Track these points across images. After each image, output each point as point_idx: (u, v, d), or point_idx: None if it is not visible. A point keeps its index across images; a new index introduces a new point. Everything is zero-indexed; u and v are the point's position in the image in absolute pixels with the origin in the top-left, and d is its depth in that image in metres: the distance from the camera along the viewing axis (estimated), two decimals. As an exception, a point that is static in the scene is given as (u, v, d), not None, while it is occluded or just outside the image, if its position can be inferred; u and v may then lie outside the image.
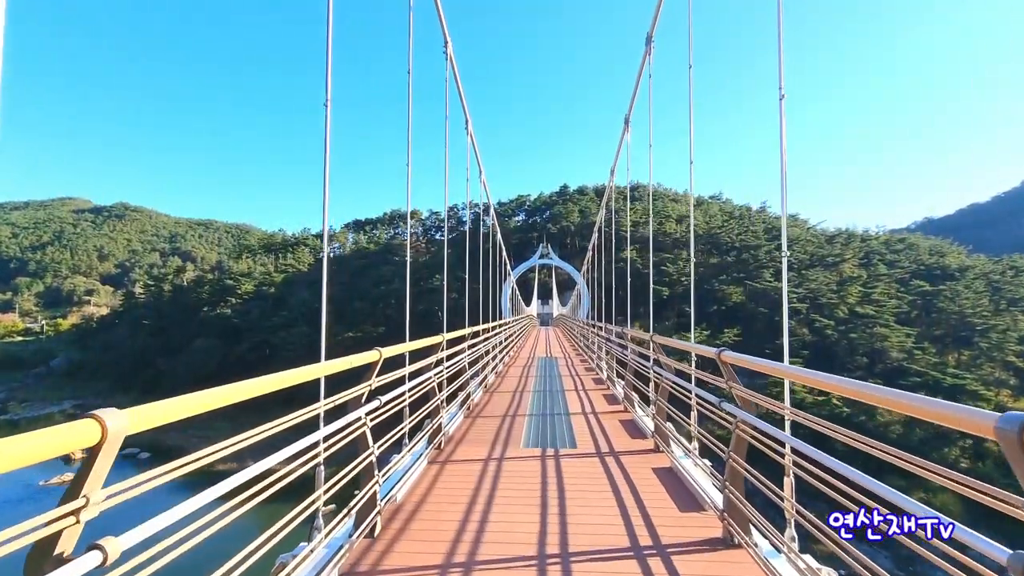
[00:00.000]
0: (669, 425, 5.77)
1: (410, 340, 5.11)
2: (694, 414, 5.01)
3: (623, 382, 9.03)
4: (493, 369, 11.27)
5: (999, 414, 1.44)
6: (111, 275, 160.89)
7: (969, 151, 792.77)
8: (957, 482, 1.65)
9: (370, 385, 3.59)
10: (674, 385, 5.53)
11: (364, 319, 64.48)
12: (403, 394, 4.43)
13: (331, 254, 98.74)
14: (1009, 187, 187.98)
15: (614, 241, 20.01)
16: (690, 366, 5.36)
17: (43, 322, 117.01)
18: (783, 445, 3.01)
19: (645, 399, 7.27)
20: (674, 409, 5.62)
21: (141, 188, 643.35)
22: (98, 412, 1.47)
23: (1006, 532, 2.28)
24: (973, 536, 1.54)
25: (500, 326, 13.46)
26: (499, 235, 19.76)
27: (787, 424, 3.19)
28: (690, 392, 4.93)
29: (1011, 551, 1.35)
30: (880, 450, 2.05)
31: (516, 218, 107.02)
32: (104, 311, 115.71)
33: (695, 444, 4.96)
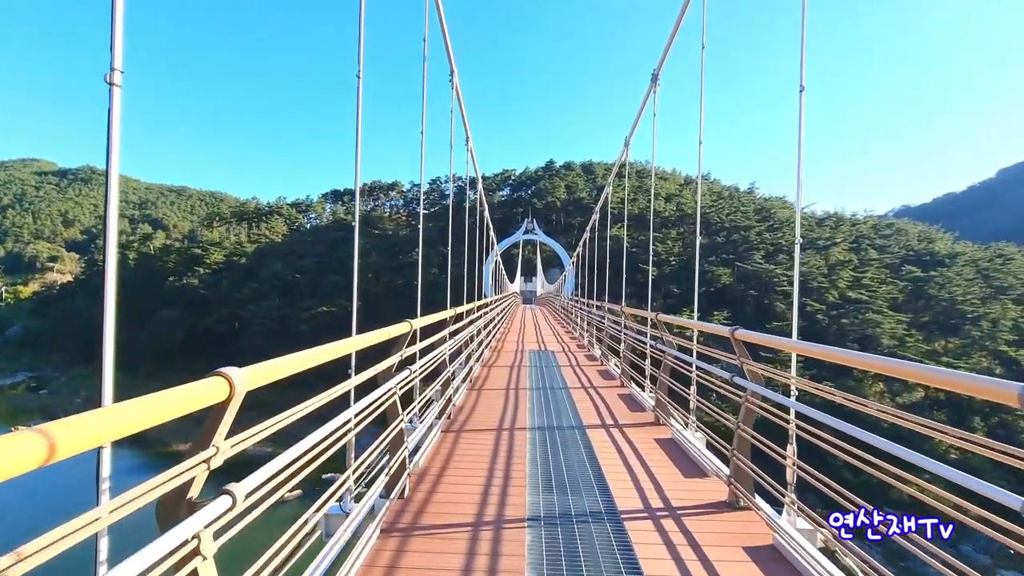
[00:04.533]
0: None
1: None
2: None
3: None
4: (465, 380, 7.81)
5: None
6: (77, 241, 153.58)
7: (945, 142, 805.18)
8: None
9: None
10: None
11: (339, 293, 61.67)
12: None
13: (307, 225, 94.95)
14: (985, 177, 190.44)
15: (597, 219, 18.78)
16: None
17: (2, 289, 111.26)
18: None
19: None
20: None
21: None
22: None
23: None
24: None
25: (482, 308, 10.94)
26: (485, 206, 17.32)
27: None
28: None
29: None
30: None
31: (500, 193, 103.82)
32: (68, 278, 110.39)
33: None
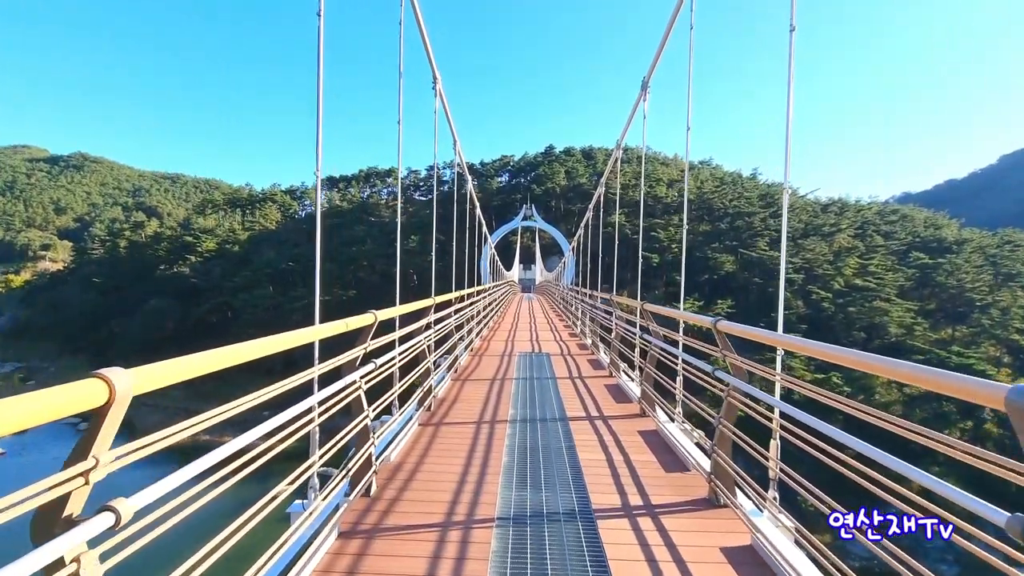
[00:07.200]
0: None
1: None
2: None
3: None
4: (430, 395, 6.09)
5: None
6: (69, 229, 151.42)
7: (947, 129, 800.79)
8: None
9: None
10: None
11: (333, 282, 60.35)
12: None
13: (301, 212, 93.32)
14: (985, 164, 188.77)
15: (603, 192, 17.80)
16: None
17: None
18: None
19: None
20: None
21: (101, 138, 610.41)
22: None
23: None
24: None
25: (478, 294, 9.70)
26: (471, 186, 15.98)
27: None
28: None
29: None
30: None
31: (499, 179, 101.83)
32: (60, 267, 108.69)
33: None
